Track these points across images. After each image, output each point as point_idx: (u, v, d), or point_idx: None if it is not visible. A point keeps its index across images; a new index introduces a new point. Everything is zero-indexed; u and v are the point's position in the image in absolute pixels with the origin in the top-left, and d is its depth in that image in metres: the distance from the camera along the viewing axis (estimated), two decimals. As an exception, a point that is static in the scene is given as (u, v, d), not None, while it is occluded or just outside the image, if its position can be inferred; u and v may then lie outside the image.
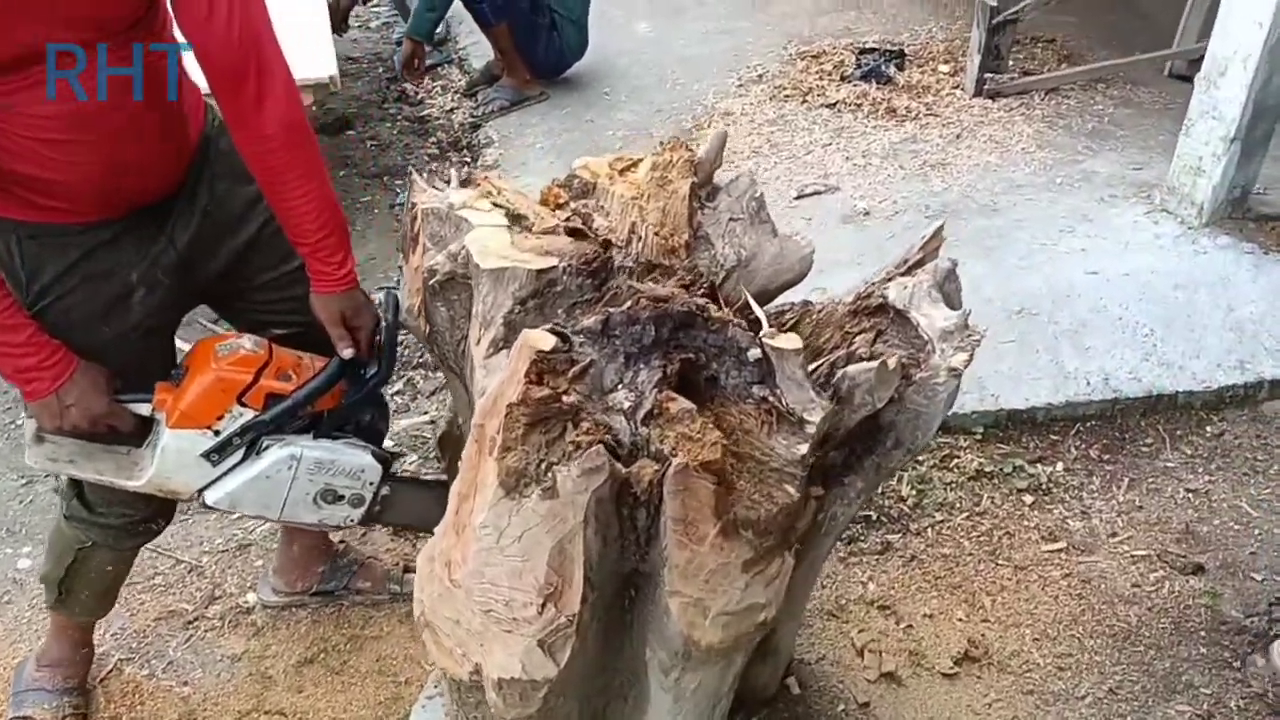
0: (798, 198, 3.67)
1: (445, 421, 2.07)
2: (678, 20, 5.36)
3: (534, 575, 1.28)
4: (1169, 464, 2.70)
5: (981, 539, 2.49)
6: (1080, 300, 3.02)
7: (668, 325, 1.35)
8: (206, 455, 1.66)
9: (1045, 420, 2.79)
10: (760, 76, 4.63)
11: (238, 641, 2.26)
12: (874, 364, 1.38)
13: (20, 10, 1.32)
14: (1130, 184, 3.56)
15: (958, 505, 2.57)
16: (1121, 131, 4.00)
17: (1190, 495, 2.61)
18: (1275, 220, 3.29)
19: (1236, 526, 2.52)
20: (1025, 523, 2.53)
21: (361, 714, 2.10)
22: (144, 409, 1.66)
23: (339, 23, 4.81)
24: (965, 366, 1.43)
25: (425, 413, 2.97)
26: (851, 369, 1.41)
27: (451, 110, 4.87)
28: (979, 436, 2.74)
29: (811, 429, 1.30)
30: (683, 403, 1.30)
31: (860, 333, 1.53)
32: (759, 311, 1.51)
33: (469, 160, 4.41)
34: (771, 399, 1.32)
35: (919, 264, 1.57)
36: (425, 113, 4.90)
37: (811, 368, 1.45)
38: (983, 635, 2.24)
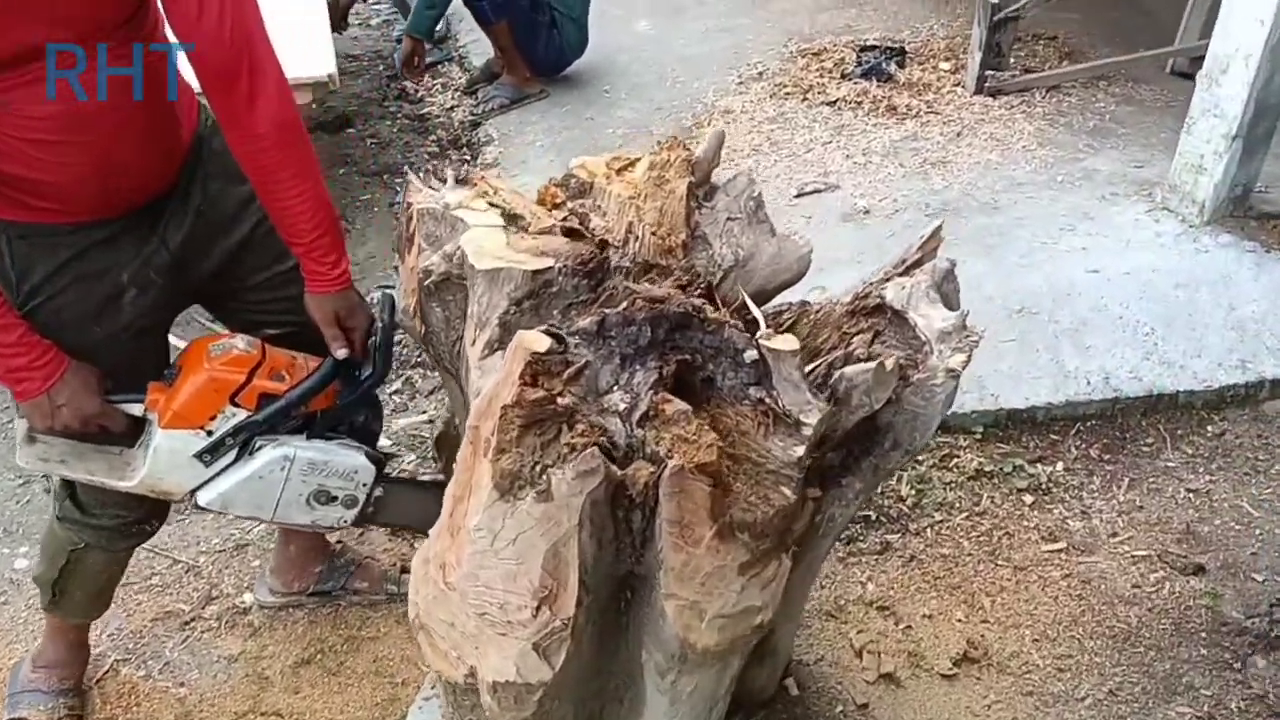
0: (798, 196, 3.66)
1: (442, 422, 2.06)
2: (678, 18, 5.35)
3: (528, 578, 1.27)
4: (1170, 464, 2.69)
5: (981, 539, 2.48)
6: (1081, 299, 3.01)
7: (664, 326, 1.34)
8: (199, 456, 1.65)
9: (1045, 420, 2.78)
10: (760, 74, 4.62)
11: (234, 642, 2.25)
12: (871, 365, 1.37)
13: (14, 8, 1.31)
14: (1131, 182, 3.55)
15: (957, 505, 2.56)
16: (1123, 129, 3.99)
17: (1191, 495, 2.60)
18: (1277, 218, 3.27)
19: (1237, 527, 2.51)
20: (1025, 523, 2.52)
21: (358, 715, 2.09)
22: (136, 409, 1.66)
23: (339, 20, 4.80)
24: (963, 368, 1.42)
25: (424, 412, 2.96)
26: (849, 370, 1.40)
27: (451, 108, 4.86)
28: (979, 436, 2.73)
29: (808, 431, 1.29)
30: (678, 404, 1.29)
31: (858, 333, 1.51)
32: (756, 312, 1.50)
33: (469, 158, 4.40)
34: (768, 401, 1.31)
35: (917, 264, 1.56)
36: (425, 111, 4.90)
37: (809, 368, 1.44)
38: (982, 636, 2.23)
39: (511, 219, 1.58)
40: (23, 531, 2.55)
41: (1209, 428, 2.79)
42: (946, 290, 1.51)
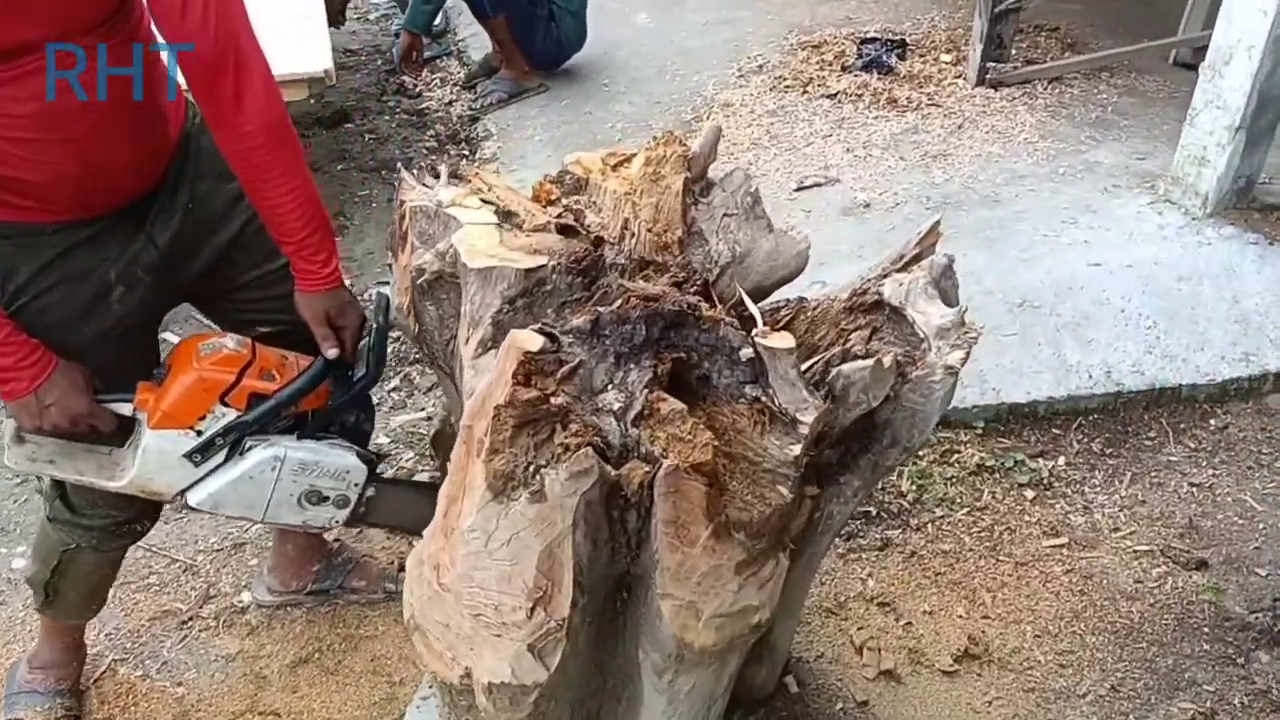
0: (798, 189, 3.64)
1: (439, 420, 2.05)
2: (677, 11, 5.32)
3: (523, 579, 1.26)
4: (1172, 458, 2.68)
5: (982, 534, 2.47)
6: (1083, 292, 2.99)
7: (658, 324, 1.33)
8: (189, 456, 1.64)
9: (1047, 414, 2.76)
10: (760, 67, 4.60)
11: (232, 641, 2.24)
12: (869, 362, 1.36)
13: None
14: (1134, 174, 3.53)
15: (958, 500, 2.55)
16: (1125, 121, 3.96)
17: (1194, 489, 2.58)
18: (1280, 210, 3.26)
19: (1240, 521, 2.49)
20: (1026, 518, 2.51)
21: (356, 714, 2.09)
22: (125, 409, 1.64)
23: (336, 15, 4.78)
24: (962, 364, 1.40)
25: (422, 409, 2.95)
26: (846, 367, 1.38)
27: (450, 103, 4.85)
28: (980, 431, 2.71)
29: (804, 429, 1.28)
30: (673, 403, 1.28)
31: (856, 330, 1.50)
32: (753, 309, 1.48)
33: (467, 153, 4.39)
34: (764, 399, 1.29)
35: (915, 259, 1.55)
36: (424, 105, 4.88)
37: (806, 366, 1.43)
38: (983, 632, 2.22)
39: (505, 216, 1.56)
40: (20, 531, 2.54)
41: (1212, 421, 2.78)
42: (945, 286, 1.49)
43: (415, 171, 1.69)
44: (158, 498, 1.72)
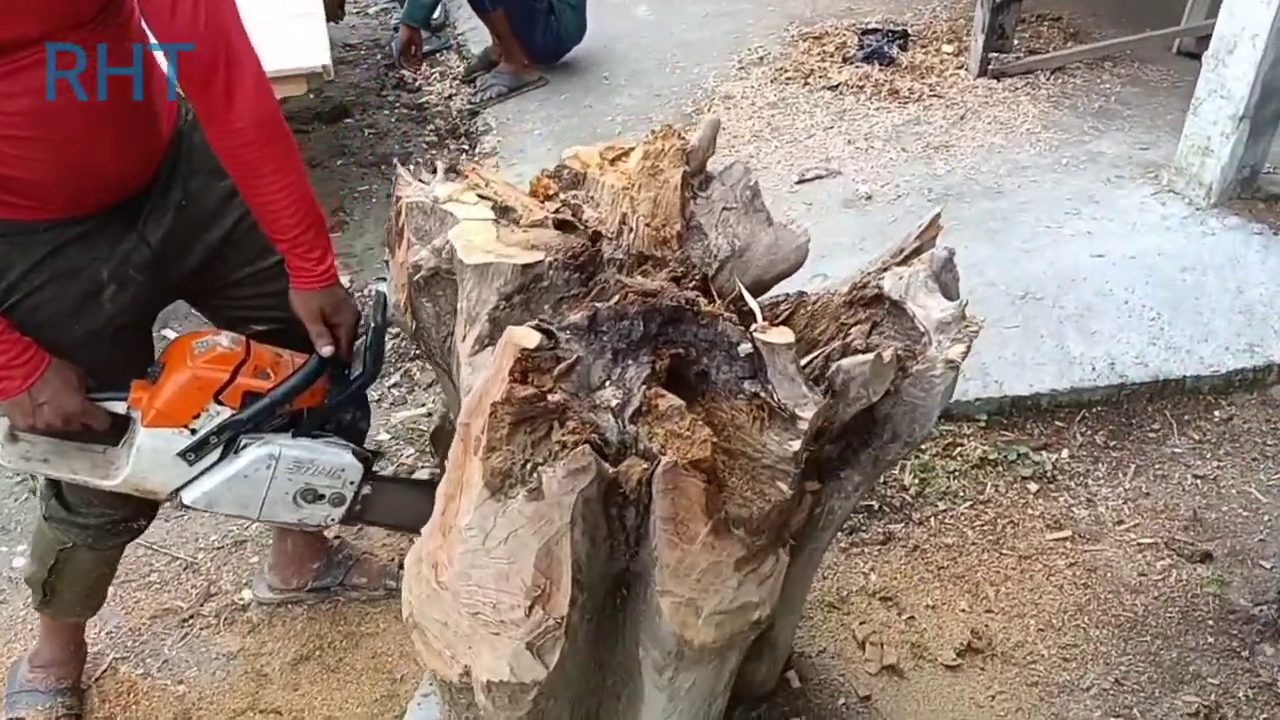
0: (799, 182, 3.63)
1: (439, 416, 2.04)
2: (677, 3, 5.30)
3: (521, 578, 1.26)
4: (1176, 450, 2.66)
5: (985, 528, 2.46)
6: (1086, 284, 2.97)
7: (656, 320, 1.32)
8: (183, 454, 1.63)
9: (1050, 406, 2.75)
10: (761, 59, 4.58)
11: (233, 639, 2.24)
12: (869, 357, 1.35)
13: None
14: (1137, 164, 3.50)
15: (961, 494, 2.54)
16: (1128, 111, 3.94)
17: (1198, 481, 2.57)
18: (1285, 200, 3.23)
19: (1245, 513, 2.48)
20: (1030, 511, 2.50)
21: (357, 711, 2.08)
22: (119, 407, 1.64)
23: (335, 9, 4.77)
24: (963, 359, 1.39)
25: (422, 405, 2.94)
26: (846, 362, 1.37)
27: (450, 97, 4.83)
28: (982, 424, 2.70)
29: (804, 425, 1.27)
30: (672, 399, 1.27)
31: (856, 324, 1.49)
32: (752, 303, 1.48)
33: (467, 147, 4.38)
34: (763, 394, 1.28)
35: (916, 252, 1.53)
36: (423, 100, 4.87)
37: (806, 360, 1.42)
38: (986, 626, 2.21)
39: (502, 212, 1.55)
40: (21, 530, 2.54)
41: (1216, 413, 2.76)
42: (945, 280, 1.48)
43: (412, 167, 1.68)
44: (152, 496, 1.71)
